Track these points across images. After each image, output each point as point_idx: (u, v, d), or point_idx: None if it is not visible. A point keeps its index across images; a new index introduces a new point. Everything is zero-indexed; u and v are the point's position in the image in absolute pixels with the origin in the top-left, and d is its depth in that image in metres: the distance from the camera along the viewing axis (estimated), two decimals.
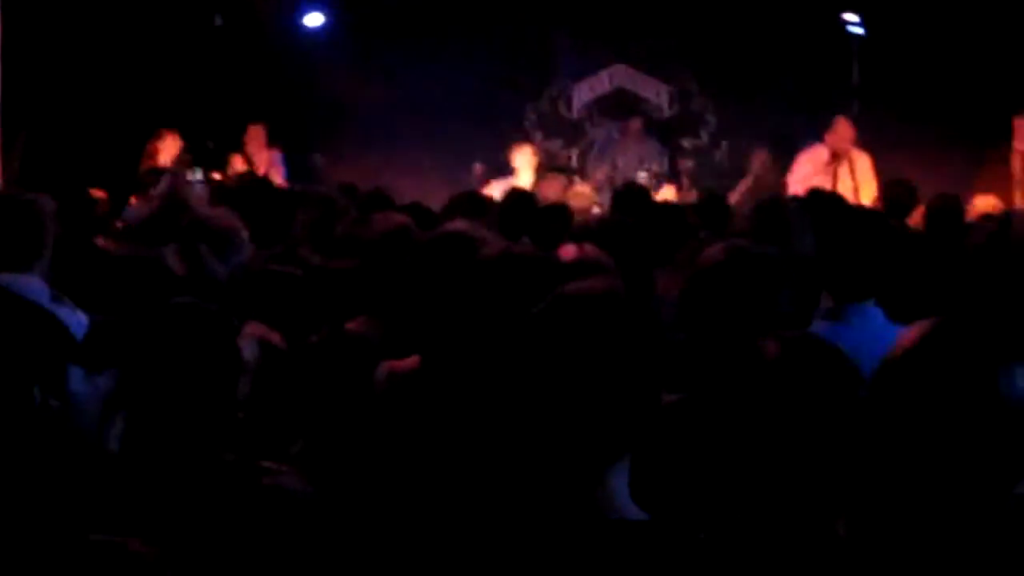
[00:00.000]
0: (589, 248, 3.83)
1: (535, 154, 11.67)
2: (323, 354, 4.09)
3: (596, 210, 9.51)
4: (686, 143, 13.45)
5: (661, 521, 2.16)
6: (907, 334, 2.49)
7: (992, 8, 12.00)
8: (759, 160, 11.42)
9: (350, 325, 4.45)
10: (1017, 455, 2.20)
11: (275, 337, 3.94)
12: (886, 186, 8.87)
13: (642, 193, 7.66)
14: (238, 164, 12.00)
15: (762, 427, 2.72)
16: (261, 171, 11.75)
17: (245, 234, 5.20)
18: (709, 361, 3.10)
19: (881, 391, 2.40)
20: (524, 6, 13.20)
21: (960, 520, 2.17)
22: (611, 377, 2.14)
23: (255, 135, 12.18)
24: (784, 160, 11.58)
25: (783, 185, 11.01)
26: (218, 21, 12.38)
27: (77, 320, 4.30)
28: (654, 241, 5.23)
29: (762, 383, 2.64)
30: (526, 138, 13.44)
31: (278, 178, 11.80)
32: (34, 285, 4.44)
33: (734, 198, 10.72)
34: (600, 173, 12.55)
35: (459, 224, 3.88)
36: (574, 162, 13.29)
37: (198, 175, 10.31)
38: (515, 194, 7.72)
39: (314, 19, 12.85)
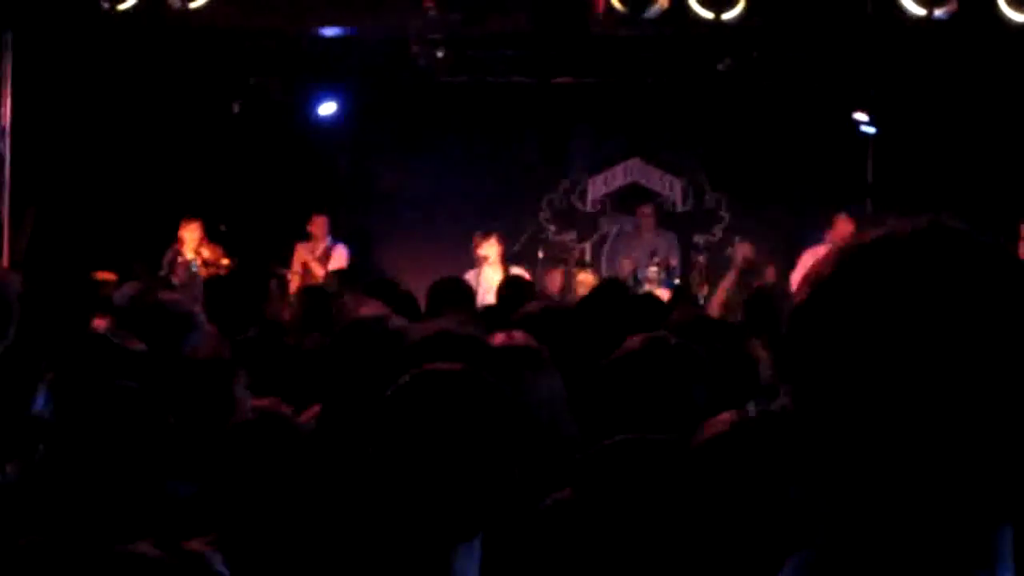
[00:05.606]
0: (518, 335, 3.80)
1: (499, 243, 11.66)
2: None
3: None
4: (699, 238, 13.45)
5: None
6: None
7: (1006, 106, 11.98)
8: (741, 252, 11.30)
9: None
10: None
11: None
12: None
13: (620, 287, 7.63)
14: (303, 253, 12.23)
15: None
16: (318, 260, 11.94)
17: (202, 317, 5.24)
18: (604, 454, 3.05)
19: None
20: (544, 100, 13.27)
21: None
22: (448, 456, 2.22)
23: (319, 224, 12.37)
24: (784, 256, 11.57)
25: (767, 277, 11.00)
26: (235, 108, 12.52)
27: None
28: (611, 332, 5.19)
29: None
30: (540, 229, 13.51)
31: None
32: None
33: (720, 292, 10.69)
34: (623, 267, 12.51)
35: (373, 307, 3.89)
36: (587, 255, 13.26)
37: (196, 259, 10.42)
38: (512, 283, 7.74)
39: (328, 108, 12.96)
